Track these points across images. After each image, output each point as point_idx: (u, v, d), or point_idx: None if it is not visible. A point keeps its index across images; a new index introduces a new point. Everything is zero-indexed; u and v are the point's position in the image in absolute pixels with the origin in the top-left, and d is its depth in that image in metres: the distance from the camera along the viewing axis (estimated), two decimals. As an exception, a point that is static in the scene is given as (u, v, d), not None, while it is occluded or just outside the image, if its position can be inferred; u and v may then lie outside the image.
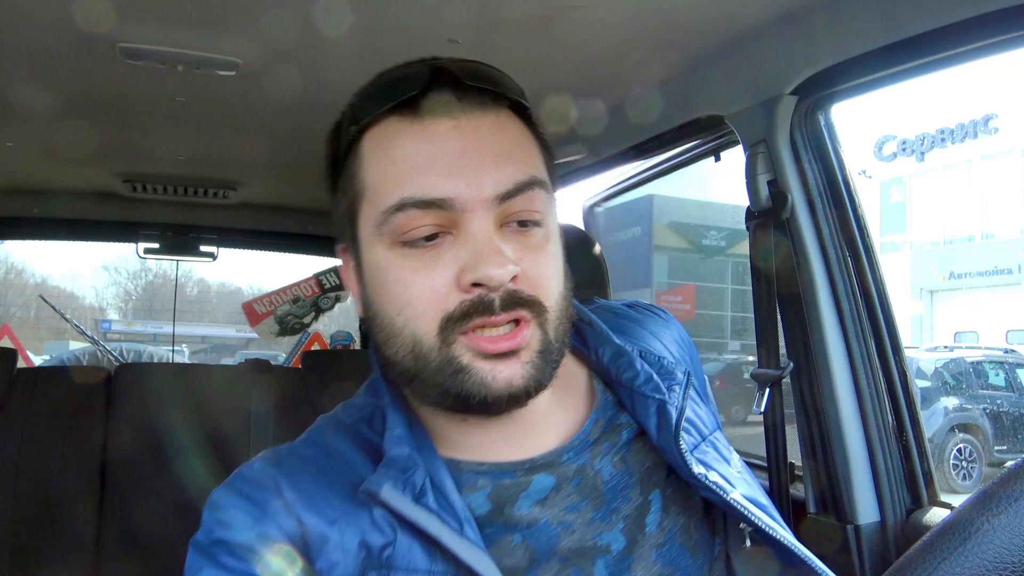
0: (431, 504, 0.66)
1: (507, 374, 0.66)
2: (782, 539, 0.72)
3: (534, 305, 0.68)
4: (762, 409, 1.43)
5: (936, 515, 1.32)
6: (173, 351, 7.79)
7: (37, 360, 9.15)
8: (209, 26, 1.28)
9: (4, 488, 1.95)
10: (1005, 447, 9.31)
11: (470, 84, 0.69)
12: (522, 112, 0.74)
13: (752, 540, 0.74)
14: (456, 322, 0.66)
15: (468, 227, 0.67)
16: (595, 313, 0.87)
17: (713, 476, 0.74)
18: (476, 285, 0.65)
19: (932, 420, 8.75)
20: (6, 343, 5.24)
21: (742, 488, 0.76)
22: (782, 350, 1.44)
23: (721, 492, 0.72)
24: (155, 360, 7.52)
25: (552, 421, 0.76)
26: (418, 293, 0.67)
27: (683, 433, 0.75)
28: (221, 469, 2.02)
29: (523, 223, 0.69)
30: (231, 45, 1.35)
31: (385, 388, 0.76)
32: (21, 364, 2.19)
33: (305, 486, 0.69)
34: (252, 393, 2.26)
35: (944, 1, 1.03)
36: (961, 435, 9.04)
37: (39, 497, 1.98)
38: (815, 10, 1.19)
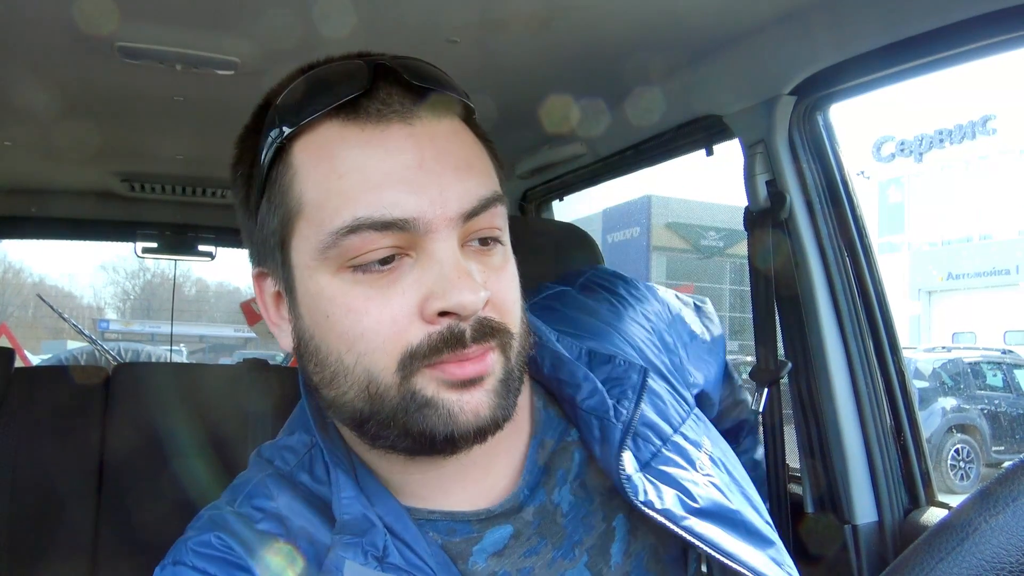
0: (398, 562, 0.61)
1: (474, 404, 0.60)
2: (739, 568, 0.66)
3: (503, 334, 0.62)
4: (761, 408, 1.43)
5: (934, 515, 1.32)
6: (171, 351, 7.78)
7: (35, 359, 9.15)
8: (208, 26, 1.28)
9: (1, 488, 1.95)
10: (1003, 447, 9.34)
11: (419, 85, 0.61)
12: (469, 113, 0.67)
13: (710, 564, 0.69)
14: (421, 358, 0.59)
15: (432, 249, 0.59)
16: (541, 308, 0.81)
17: (666, 500, 0.67)
18: (443, 314, 0.58)
19: (930, 420, 8.77)
20: (3, 342, 5.24)
21: (706, 496, 0.69)
22: (781, 349, 1.44)
23: (671, 521, 0.65)
24: (153, 360, 7.51)
25: (501, 448, 0.69)
26: (374, 325, 0.58)
27: (633, 446, 0.69)
28: (220, 469, 2.02)
29: (484, 241, 0.62)
30: (230, 45, 1.35)
31: (321, 437, 0.68)
32: (19, 363, 2.19)
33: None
34: (251, 393, 2.25)
35: (943, 1, 1.03)
36: (959, 435, 9.06)
37: (37, 497, 1.97)
38: (814, 10, 1.19)
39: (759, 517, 0.73)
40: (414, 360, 0.59)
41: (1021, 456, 0.48)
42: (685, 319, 0.98)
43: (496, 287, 0.62)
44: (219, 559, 0.62)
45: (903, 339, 1.42)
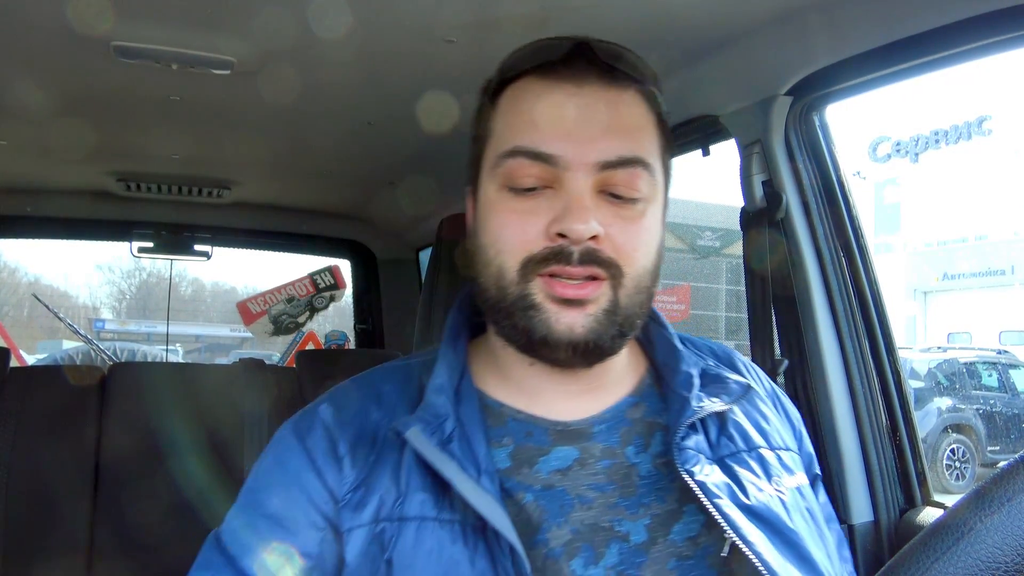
0: (455, 451, 0.71)
1: (569, 320, 0.71)
2: (755, 557, 0.68)
3: (611, 266, 0.72)
4: None
5: (929, 515, 1.33)
6: (167, 350, 7.74)
7: (30, 359, 9.12)
8: (204, 25, 1.28)
9: (-3, 488, 1.94)
10: (998, 447, 9.35)
11: (605, 62, 0.75)
12: (651, 97, 0.79)
13: (732, 551, 0.70)
14: (536, 264, 0.72)
15: (567, 184, 0.72)
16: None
17: (711, 478, 0.72)
18: (561, 236, 0.71)
19: (925, 420, 8.78)
20: (-1, 342, 5.22)
21: (763, 502, 0.73)
22: (777, 349, 1.44)
23: (705, 495, 0.70)
24: (149, 359, 7.48)
25: (606, 389, 0.80)
26: (510, 233, 0.73)
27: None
28: (215, 468, 2.02)
29: (619, 196, 0.74)
30: (226, 44, 1.34)
31: (453, 328, 0.82)
32: (14, 363, 2.18)
33: (352, 434, 0.75)
34: (247, 392, 2.25)
35: (939, 2, 1.04)
36: (954, 435, 9.07)
37: (32, 497, 1.97)
38: (810, 10, 1.19)
39: (826, 561, 0.75)
40: (530, 264, 0.72)
41: (1016, 456, 0.48)
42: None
43: (619, 231, 0.73)
44: (312, 432, 0.76)
45: (899, 339, 1.42)
